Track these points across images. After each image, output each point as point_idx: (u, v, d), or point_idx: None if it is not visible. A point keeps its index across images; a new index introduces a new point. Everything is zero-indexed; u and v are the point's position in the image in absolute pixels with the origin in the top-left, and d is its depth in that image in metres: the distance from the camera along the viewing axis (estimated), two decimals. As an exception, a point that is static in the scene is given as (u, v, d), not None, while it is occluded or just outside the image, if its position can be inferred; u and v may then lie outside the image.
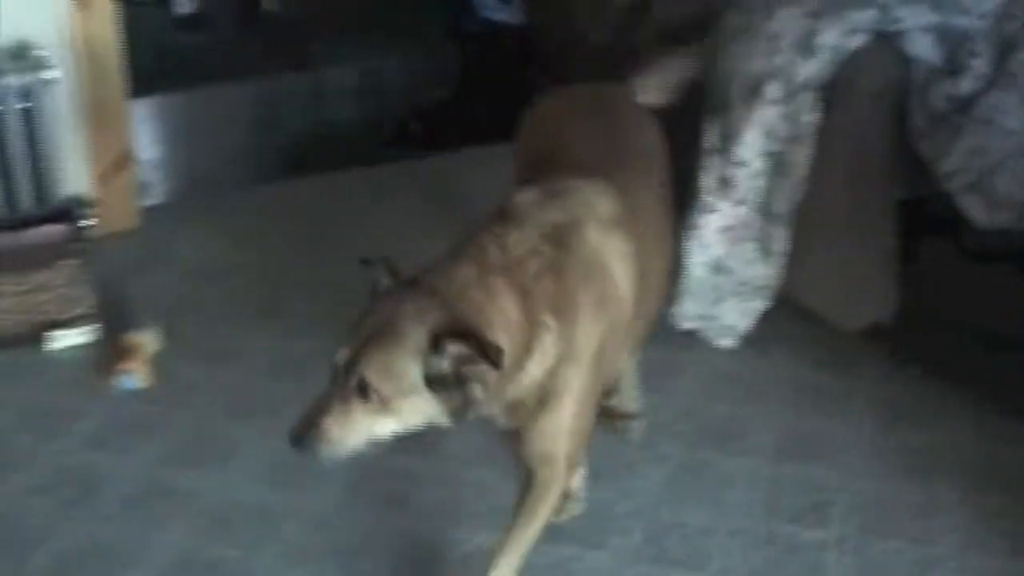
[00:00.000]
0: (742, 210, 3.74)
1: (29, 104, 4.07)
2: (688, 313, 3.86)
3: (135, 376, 3.76)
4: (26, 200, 4.10)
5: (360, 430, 2.34)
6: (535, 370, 2.52)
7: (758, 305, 3.85)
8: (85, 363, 3.90)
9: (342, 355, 2.34)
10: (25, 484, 3.38)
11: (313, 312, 4.07)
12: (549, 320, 2.50)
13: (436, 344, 2.30)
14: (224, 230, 4.67)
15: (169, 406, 3.65)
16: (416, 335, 2.31)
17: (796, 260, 3.79)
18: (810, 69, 3.61)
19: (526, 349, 2.47)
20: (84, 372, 3.86)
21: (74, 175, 4.38)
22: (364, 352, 2.32)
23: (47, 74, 4.08)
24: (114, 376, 3.77)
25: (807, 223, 3.74)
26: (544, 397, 2.57)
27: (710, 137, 3.75)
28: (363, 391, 2.31)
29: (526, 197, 2.66)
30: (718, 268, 3.80)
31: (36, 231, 4.07)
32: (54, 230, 4.08)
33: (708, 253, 3.78)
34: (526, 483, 2.73)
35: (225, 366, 3.85)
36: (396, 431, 2.37)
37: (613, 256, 2.65)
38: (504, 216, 2.62)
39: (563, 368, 2.55)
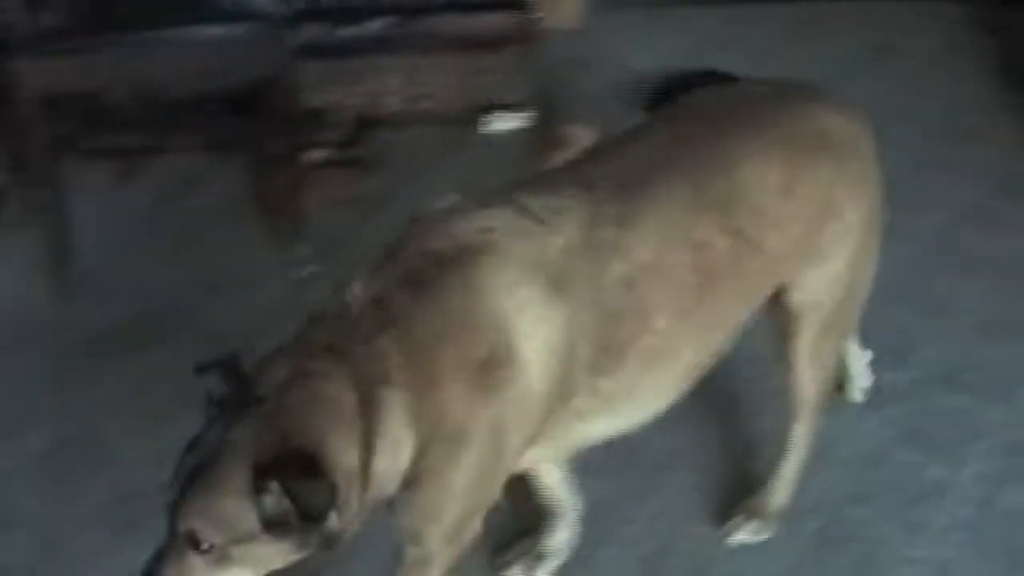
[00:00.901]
0: None
1: None
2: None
3: (565, 167, 3.88)
4: (479, -15, 4.25)
5: None
6: (386, 464, 1.97)
7: None
8: (517, 148, 4.05)
9: (170, 497, 1.91)
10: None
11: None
12: (385, 392, 1.94)
13: (261, 483, 1.85)
14: (661, 41, 4.63)
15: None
16: (238, 474, 1.85)
17: None
18: None
19: (368, 448, 1.94)
20: (516, 156, 4.00)
21: (526, -32, 4.47)
22: (187, 498, 1.88)
23: None
24: (545, 165, 3.90)
25: None
26: (414, 475, 2.04)
27: None
28: (194, 543, 1.89)
29: (440, 207, 2.18)
30: None
31: (486, 16, 4.21)
32: (503, 17, 4.20)
33: None
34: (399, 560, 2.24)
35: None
36: None
37: (520, 308, 2.04)
38: (391, 244, 2.10)
39: (435, 447, 2.00)
